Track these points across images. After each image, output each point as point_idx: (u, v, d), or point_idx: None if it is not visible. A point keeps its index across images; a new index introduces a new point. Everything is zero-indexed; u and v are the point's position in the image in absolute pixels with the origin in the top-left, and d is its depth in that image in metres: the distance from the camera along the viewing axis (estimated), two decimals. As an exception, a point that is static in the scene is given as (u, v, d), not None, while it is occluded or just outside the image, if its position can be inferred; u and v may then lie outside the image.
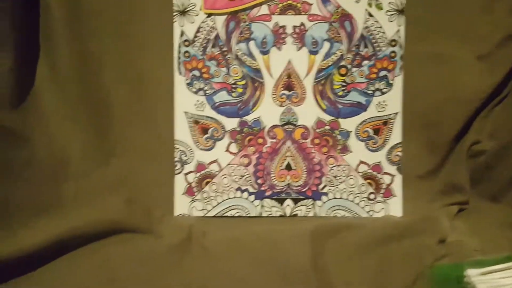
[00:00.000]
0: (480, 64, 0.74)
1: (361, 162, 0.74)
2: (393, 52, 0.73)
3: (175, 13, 0.73)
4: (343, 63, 0.74)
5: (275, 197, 0.75)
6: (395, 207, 0.74)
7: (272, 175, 0.75)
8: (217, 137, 0.75)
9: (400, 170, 0.74)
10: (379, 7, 0.73)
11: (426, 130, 0.75)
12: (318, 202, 0.75)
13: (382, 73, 0.74)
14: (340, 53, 0.74)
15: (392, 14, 0.73)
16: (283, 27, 0.73)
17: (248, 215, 0.75)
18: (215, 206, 0.75)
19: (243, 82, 0.74)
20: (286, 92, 0.74)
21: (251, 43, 0.74)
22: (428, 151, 0.75)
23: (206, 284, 0.62)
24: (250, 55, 0.74)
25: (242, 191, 0.75)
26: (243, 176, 0.75)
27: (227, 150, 0.75)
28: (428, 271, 0.62)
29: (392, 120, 0.74)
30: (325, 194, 0.75)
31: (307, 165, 0.75)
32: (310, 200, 0.75)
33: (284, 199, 0.75)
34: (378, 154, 0.74)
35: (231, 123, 0.75)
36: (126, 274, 0.62)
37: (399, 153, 0.74)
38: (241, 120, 0.75)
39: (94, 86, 0.75)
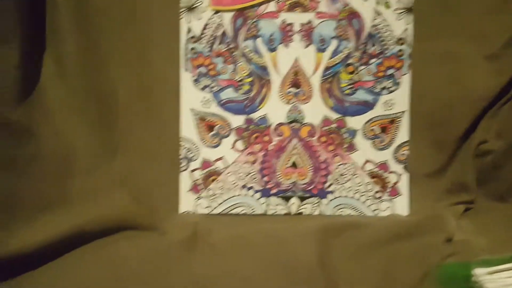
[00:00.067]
0: (488, 64, 0.74)
1: (368, 160, 0.74)
2: (400, 50, 0.73)
3: (182, 10, 0.73)
4: (350, 61, 0.73)
5: (281, 195, 0.75)
6: (401, 206, 0.74)
7: (278, 173, 0.75)
8: (223, 134, 0.75)
9: (406, 168, 0.74)
10: (387, 5, 0.72)
11: (433, 129, 0.75)
12: (324, 201, 0.75)
13: (390, 71, 0.73)
14: (348, 51, 0.73)
15: (400, 13, 0.72)
16: (290, 24, 0.73)
17: (253, 213, 0.75)
18: (221, 203, 0.75)
19: (250, 79, 0.74)
20: (293, 89, 0.74)
21: (258, 40, 0.73)
22: (435, 150, 0.75)
23: (212, 281, 0.61)
24: (257, 52, 0.73)
25: (248, 189, 0.75)
26: (249, 173, 0.75)
27: (233, 147, 0.75)
28: (435, 270, 0.61)
29: (399, 119, 0.74)
30: (331, 192, 0.75)
31: (313, 163, 0.75)
32: (316, 198, 0.75)
33: (290, 197, 0.75)
34: (384, 153, 0.74)
35: (237, 121, 0.74)
36: (132, 271, 0.62)
37: (406, 152, 0.74)
38: (247, 118, 0.74)
39: (100, 82, 0.74)
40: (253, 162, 0.75)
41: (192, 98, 0.74)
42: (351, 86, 0.74)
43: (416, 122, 0.74)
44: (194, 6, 0.73)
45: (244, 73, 0.74)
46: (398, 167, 0.74)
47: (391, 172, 0.74)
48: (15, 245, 0.61)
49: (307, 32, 0.73)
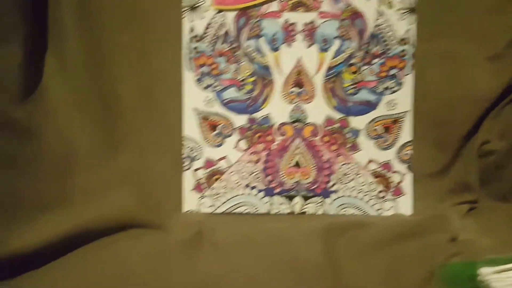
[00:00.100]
0: (490, 64, 0.74)
1: (371, 160, 0.74)
2: (403, 50, 0.73)
3: (184, 8, 0.73)
4: (353, 61, 0.73)
5: (284, 194, 0.75)
6: (404, 206, 0.74)
7: (281, 173, 0.74)
8: (226, 133, 0.74)
9: (410, 168, 0.74)
10: (390, 5, 0.73)
11: (436, 129, 0.75)
12: (327, 200, 0.74)
13: (392, 71, 0.73)
14: (351, 51, 0.73)
15: (403, 13, 0.73)
16: (293, 24, 0.73)
17: (257, 212, 0.74)
18: (224, 202, 0.75)
19: (253, 78, 0.74)
20: (295, 89, 0.74)
21: (261, 39, 0.73)
22: (438, 150, 0.75)
23: (216, 280, 0.61)
24: (260, 51, 0.73)
25: (251, 188, 0.74)
26: (252, 173, 0.74)
27: (236, 147, 0.74)
28: (440, 270, 0.61)
29: (402, 119, 0.74)
30: (334, 192, 0.74)
31: (317, 163, 0.74)
32: (319, 197, 0.74)
33: (293, 196, 0.75)
34: (388, 153, 0.74)
35: (240, 120, 0.74)
36: (135, 270, 0.62)
37: (409, 152, 0.74)
38: (250, 117, 0.74)
39: (102, 80, 0.74)
40: (256, 162, 0.74)
41: (195, 98, 0.74)
42: (354, 86, 0.74)
43: (419, 122, 0.74)
44: (197, 5, 0.73)
45: (247, 72, 0.74)
46: (401, 166, 0.74)
47: (394, 172, 0.74)
48: (16, 245, 0.61)
49: (310, 32, 0.73)
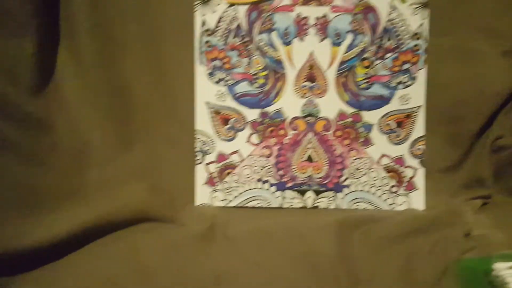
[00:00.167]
0: (504, 59, 0.74)
1: (384, 155, 0.74)
2: (416, 45, 0.73)
3: (196, 2, 0.73)
4: (366, 55, 0.73)
5: (296, 188, 0.74)
6: (417, 201, 0.74)
7: (293, 167, 0.74)
8: (238, 127, 0.74)
9: (422, 163, 0.74)
10: (403, 0, 0.72)
11: (449, 124, 0.75)
12: (340, 194, 0.74)
13: (405, 66, 0.73)
14: (363, 45, 0.73)
15: (416, 7, 0.72)
16: (305, 18, 0.73)
17: (269, 206, 0.74)
18: (236, 196, 0.75)
19: (265, 72, 0.74)
20: (308, 83, 0.74)
21: (273, 33, 0.73)
22: (451, 145, 0.75)
23: (231, 273, 0.61)
24: (272, 45, 0.73)
25: (263, 182, 0.74)
26: (264, 167, 0.74)
27: (248, 141, 0.74)
28: (454, 265, 0.61)
29: (415, 113, 0.74)
30: (347, 186, 0.74)
31: (329, 157, 0.74)
32: (331, 192, 0.74)
33: (305, 190, 0.74)
34: (400, 147, 0.74)
35: (252, 114, 0.74)
36: (152, 263, 0.62)
37: (422, 147, 0.74)
38: (262, 111, 0.74)
39: (116, 73, 0.74)
40: (268, 156, 0.74)
41: (207, 92, 0.74)
42: (367, 80, 0.73)
43: (432, 117, 0.74)
44: (209, -1, 0.73)
45: (259, 66, 0.74)
46: (414, 161, 0.74)
47: (407, 167, 0.74)
48: (35, 237, 0.61)
49: (323, 26, 0.73)
